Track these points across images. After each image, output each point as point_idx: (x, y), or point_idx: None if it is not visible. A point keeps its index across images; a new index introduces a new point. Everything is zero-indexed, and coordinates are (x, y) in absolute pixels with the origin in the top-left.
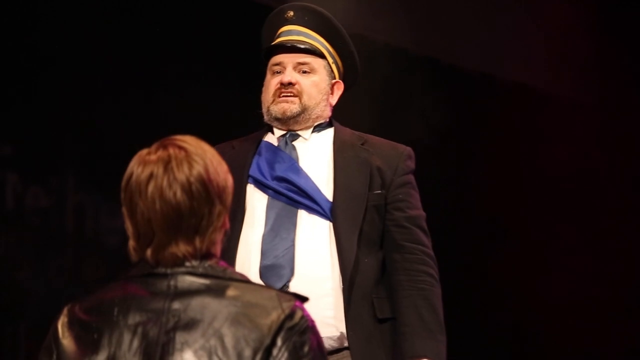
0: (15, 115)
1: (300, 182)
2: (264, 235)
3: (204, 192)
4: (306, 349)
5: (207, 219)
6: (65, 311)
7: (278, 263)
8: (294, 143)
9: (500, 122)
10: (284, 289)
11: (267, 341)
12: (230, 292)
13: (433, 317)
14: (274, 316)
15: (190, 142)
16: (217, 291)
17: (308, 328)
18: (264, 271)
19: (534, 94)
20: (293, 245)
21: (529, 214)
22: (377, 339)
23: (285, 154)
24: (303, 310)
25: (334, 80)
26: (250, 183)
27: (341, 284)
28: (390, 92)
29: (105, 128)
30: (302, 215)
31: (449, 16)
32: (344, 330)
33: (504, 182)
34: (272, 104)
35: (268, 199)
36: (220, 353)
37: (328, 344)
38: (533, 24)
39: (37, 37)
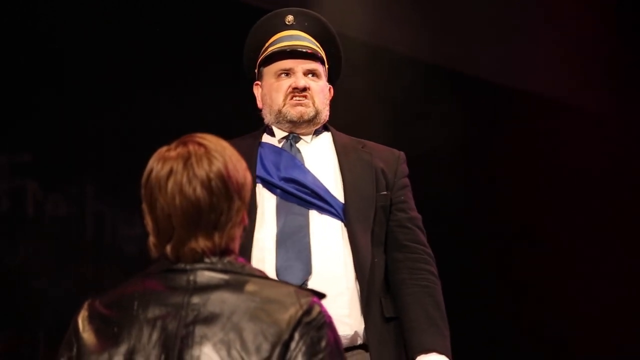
0: (36, 123)
1: (310, 183)
2: (277, 235)
3: (223, 188)
4: (323, 344)
5: (226, 214)
6: (85, 306)
7: (294, 262)
8: (297, 145)
9: (521, 131)
10: (303, 287)
11: (285, 336)
12: (249, 287)
13: (438, 313)
14: (292, 311)
15: (210, 139)
16: (235, 286)
17: (325, 324)
18: (280, 271)
19: (554, 104)
20: (308, 245)
21: (553, 220)
22: (387, 338)
23: (290, 155)
24: (321, 306)
25: (329, 85)
26: (258, 183)
27: (355, 283)
28: (408, 103)
29: (124, 136)
30: (314, 216)
31: (467, 26)
32: (358, 329)
33: (526, 189)
34: (286, 107)
35: (277, 199)
36: (238, 347)
37: (342, 341)
38: (552, 35)
39: (58, 45)
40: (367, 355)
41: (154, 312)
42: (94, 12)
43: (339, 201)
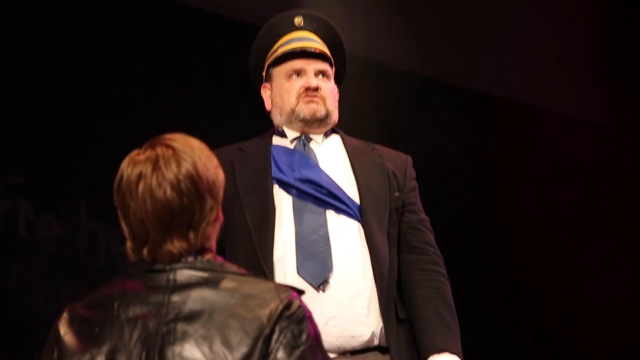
0: (26, 144)
1: (325, 183)
2: (296, 235)
3: (193, 189)
4: (304, 336)
5: (199, 214)
6: (65, 311)
7: (316, 260)
8: (310, 145)
9: (514, 140)
10: (323, 286)
11: (267, 330)
12: (229, 284)
13: (449, 314)
14: (273, 306)
15: (179, 140)
16: (215, 284)
17: (305, 317)
18: (301, 269)
19: (548, 113)
20: (328, 244)
21: (547, 227)
22: (401, 339)
23: (303, 155)
24: (300, 300)
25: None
26: (275, 184)
27: (374, 283)
28: (403, 115)
29: (117, 155)
30: (331, 215)
31: (459, 38)
32: (375, 329)
33: (520, 199)
34: (299, 106)
35: (293, 199)
36: (220, 342)
37: (359, 342)
38: (545, 44)
39: (46, 66)
40: (382, 357)
41: (134, 311)
42: (86, 37)
43: (355, 201)
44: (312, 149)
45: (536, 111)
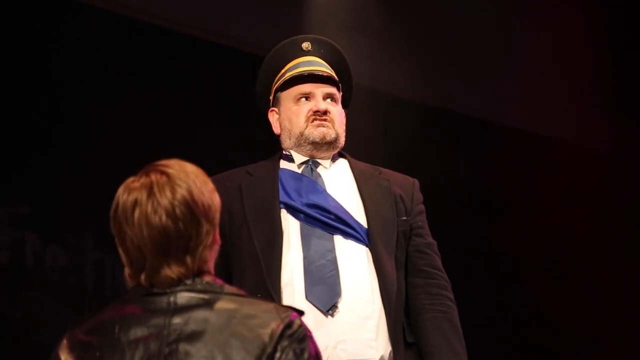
0: (33, 175)
1: (332, 208)
2: (304, 260)
3: (189, 214)
4: (305, 355)
5: (195, 239)
6: (64, 337)
7: (325, 285)
8: (317, 170)
9: (520, 171)
10: (331, 310)
11: (269, 349)
12: (229, 305)
13: (456, 338)
14: (274, 326)
15: (173, 166)
16: (216, 305)
17: (306, 336)
18: (310, 294)
19: (551, 141)
20: (337, 268)
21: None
22: None
23: (311, 180)
24: (300, 320)
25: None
26: (282, 209)
27: (382, 307)
28: (409, 144)
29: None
30: (339, 240)
31: (467, 69)
32: (384, 353)
33: (524, 227)
34: (308, 129)
35: (301, 224)
36: None
37: None
38: (547, 73)
39: (53, 97)
40: None
41: (135, 333)
42: (90, 64)
43: (363, 225)
44: (319, 174)
45: (542, 141)
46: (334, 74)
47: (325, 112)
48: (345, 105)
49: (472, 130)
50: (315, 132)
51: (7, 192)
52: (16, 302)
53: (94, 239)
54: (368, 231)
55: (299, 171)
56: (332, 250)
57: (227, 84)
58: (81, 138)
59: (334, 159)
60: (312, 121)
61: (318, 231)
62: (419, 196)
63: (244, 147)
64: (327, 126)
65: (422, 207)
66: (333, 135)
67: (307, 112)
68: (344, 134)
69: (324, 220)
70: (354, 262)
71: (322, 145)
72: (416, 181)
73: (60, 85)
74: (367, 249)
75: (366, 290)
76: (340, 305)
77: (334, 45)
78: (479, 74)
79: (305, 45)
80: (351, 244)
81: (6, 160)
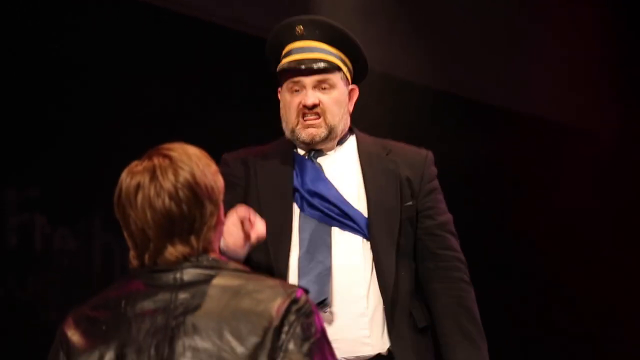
0: (42, 158)
1: (333, 198)
2: (300, 258)
3: (192, 197)
4: (313, 329)
5: (199, 220)
6: (70, 315)
7: (313, 286)
8: (318, 159)
9: (529, 156)
10: (324, 309)
11: (276, 323)
12: (235, 281)
13: (472, 324)
14: (280, 301)
15: (176, 149)
16: (222, 280)
17: (312, 312)
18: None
19: (561, 126)
20: (330, 268)
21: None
22: (422, 348)
23: (314, 167)
24: (306, 296)
25: (350, 87)
26: (295, 193)
27: (380, 302)
28: (417, 128)
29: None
30: (336, 233)
31: (470, 52)
32: (381, 349)
33: (536, 212)
34: (298, 128)
35: (300, 213)
36: (230, 333)
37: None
38: (558, 57)
39: (64, 79)
40: None
41: (142, 307)
42: (103, 48)
43: (363, 215)
44: (320, 164)
45: (549, 124)
46: (328, 57)
47: (313, 107)
48: (356, 79)
49: (482, 115)
50: (304, 133)
51: (16, 175)
52: (25, 284)
53: (103, 222)
54: (368, 221)
55: (302, 154)
56: (328, 247)
57: (243, 69)
58: (91, 122)
59: (341, 141)
60: (303, 117)
61: (316, 224)
62: (430, 172)
63: (263, 132)
64: (316, 125)
65: (433, 184)
66: (323, 134)
67: (297, 105)
68: (345, 117)
69: (323, 210)
70: (350, 258)
71: (314, 145)
72: (429, 154)
73: (70, 69)
74: (365, 240)
75: (361, 288)
76: (333, 303)
77: (329, 23)
78: (489, 58)
79: (299, 30)
80: (349, 237)
81: (15, 144)
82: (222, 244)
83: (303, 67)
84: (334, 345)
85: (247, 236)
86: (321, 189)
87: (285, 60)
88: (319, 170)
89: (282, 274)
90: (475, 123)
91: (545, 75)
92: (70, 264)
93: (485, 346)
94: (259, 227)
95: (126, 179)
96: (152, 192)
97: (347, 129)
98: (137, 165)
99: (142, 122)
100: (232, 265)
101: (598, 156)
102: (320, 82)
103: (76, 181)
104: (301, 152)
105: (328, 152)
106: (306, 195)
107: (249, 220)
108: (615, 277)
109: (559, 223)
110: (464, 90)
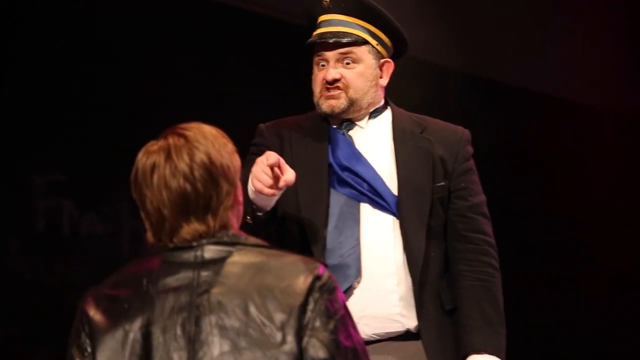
0: (71, 143)
1: (365, 174)
2: (328, 232)
3: (207, 176)
4: (337, 306)
5: (216, 199)
6: (89, 294)
7: (344, 262)
8: (350, 132)
9: (553, 138)
10: (350, 289)
11: (301, 299)
12: (257, 257)
13: (494, 309)
14: (303, 278)
15: (191, 129)
16: (244, 257)
17: (335, 287)
18: (330, 269)
19: (585, 107)
20: (359, 244)
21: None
22: (447, 330)
23: (348, 142)
24: (328, 271)
25: (382, 61)
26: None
27: (408, 280)
28: (442, 112)
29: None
30: (365, 210)
31: (492, 34)
32: (410, 326)
33: (559, 196)
34: (320, 100)
35: (331, 189)
36: (257, 310)
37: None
38: (580, 39)
39: (89, 67)
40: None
41: (164, 285)
42: (128, 32)
43: (393, 194)
44: (351, 136)
45: (576, 107)
46: (354, 30)
47: (334, 81)
48: (390, 52)
49: (508, 99)
50: (324, 105)
51: (43, 160)
52: (53, 269)
53: (131, 207)
54: (398, 200)
55: (335, 127)
56: (357, 223)
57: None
58: (118, 105)
59: (374, 115)
60: (325, 93)
61: (346, 200)
62: (465, 152)
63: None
64: (336, 97)
65: (468, 165)
66: (343, 106)
67: (320, 80)
68: (372, 90)
69: (354, 185)
70: (379, 236)
71: (335, 116)
72: (466, 132)
73: (97, 53)
74: (395, 219)
75: (390, 265)
76: (362, 281)
77: None
78: (512, 41)
79: (325, 2)
80: (378, 215)
81: (43, 128)
82: (250, 188)
83: (325, 40)
84: (364, 321)
85: (276, 181)
86: (353, 163)
87: (314, 33)
88: (351, 144)
89: (314, 248)
90: (500, 107)
91: (572, 57)
92: (98, 249)
93: (504, 333)
94: (289, 174)
95: (142, 159)
96: (168, 171)
97: (379, 103)
98: (153, 145)
99: (171, 105)
100: (252, 240)
101: (624, 139)
102: (343, 55)
103: (104, 166)
104: (334, 125)
105: (360, 124)
106: (338, 170)
107: (279, 167)
108: None
109: (589, 205)
110: (490, 74)
